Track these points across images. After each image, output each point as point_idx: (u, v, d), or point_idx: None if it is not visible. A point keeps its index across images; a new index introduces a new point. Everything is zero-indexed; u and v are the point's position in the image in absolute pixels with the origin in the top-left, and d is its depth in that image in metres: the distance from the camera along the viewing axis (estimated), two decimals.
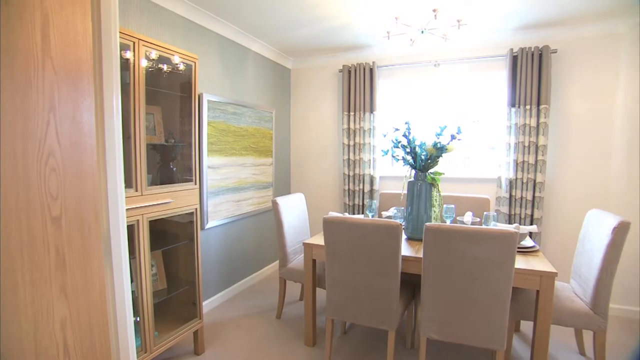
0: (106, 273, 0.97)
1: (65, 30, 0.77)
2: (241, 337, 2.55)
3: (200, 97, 2.73)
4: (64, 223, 0.80)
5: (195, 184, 2.28)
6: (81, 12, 0.78)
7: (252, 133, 3.39)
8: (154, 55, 1.96)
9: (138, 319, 1.92)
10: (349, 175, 3.79)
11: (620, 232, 1.88)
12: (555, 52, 3.05)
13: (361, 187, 3.74)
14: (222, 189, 3.02)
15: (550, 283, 1.84)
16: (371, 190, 3.72)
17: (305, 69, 4.08)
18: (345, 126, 3.75)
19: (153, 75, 2.07)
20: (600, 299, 1.97)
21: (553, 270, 1.85)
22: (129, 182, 1.85)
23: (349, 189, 3.80)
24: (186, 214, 2.24)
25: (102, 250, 0.94)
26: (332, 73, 3.94)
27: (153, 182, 2.11)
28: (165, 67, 2.13)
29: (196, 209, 2.29)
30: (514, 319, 2.17)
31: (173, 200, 2.10)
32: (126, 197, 1.78)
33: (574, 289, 2.27)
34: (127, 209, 1.77)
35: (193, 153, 2.26)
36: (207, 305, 2.93)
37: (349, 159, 3.77)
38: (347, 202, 3.81)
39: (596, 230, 2.11)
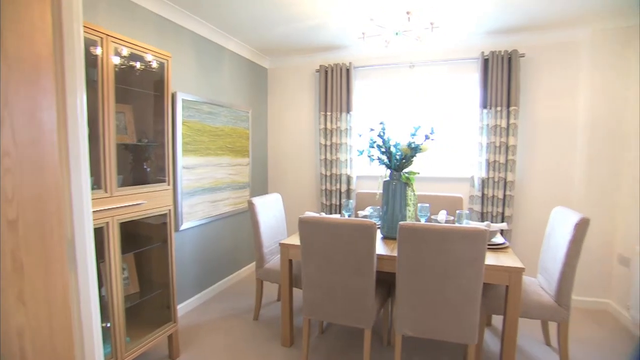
0: (70, 278, 0.93)
1: (19, 24, 0.73)
2: (217, 340, 2.51)
3: (174, 96, 2.67)
4: (21, 227, 0.76)
5: (169, 184, 2.23)
6: (39, 5, 0.74)
7: (228, 133, 3.34)
8: (125, 52, 1.90)
9: (109, 325, 1.86)
10: (326, 175, 3.80)
11: (581, 228, 1.98)
12: (523, 56, 3.17)
13: (338, 186, 3.77)
14: (197, 190, 2.97)
15: (518, 278, 1.92)
16: (348, 190, 3.74)
17: (283, 68, 4.07)
18: (322, 126, 3.76)
19: (124, 73, 2.01)
20: (563, 291, 2.06)
21: (521, 266, 1.92)
22: (97, 183, 1.79)
23: (326, 188, 3.81)
24: (159, 215, 2.19)
25: (66, 254, 0.90)
26: (309, 73, 3.94)
27: (125, 183, 2.05)
28: (138, 65, 2.06)
29: (170, 210, 2.23)
30: (485, 313, 2.23)
31: (145, 201, 2.04)
32: (95, 199, 1.72)
33: (541, 283, 2.37)
34: (96, 211, 1.71)
35: (166, 153, 2.20)
36: (183, 308, 2.87)
37: (326, 158, 3.79)
38: (325, 202, 3.82)
39: (560, 227, 2.21)
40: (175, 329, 2.28)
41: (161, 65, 2.13)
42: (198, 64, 2.98)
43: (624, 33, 2.81)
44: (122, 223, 1.89)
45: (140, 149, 2.24)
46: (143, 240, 2.23)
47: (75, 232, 0.96)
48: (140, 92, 2.17)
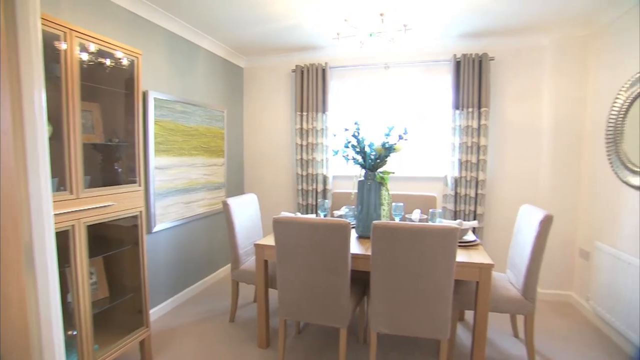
0: (28, 284, 0.89)
1: None
2: (192, 344, 2.46)
3: (145, 95, 2.59)
4: None
5: (140, 185, 2.16)
6: None
7: (202, 133, 3.28)
8: (92, 48, 1.83)
9: (75, 333, 1.79)
10: (302, 175, 3.80)
11: (545, 224, 2.07)
12: (493, 59, 3.28)
13: (314, 186, 3.77)
14: (171, 191, 2.90)
15: (488, 274, 1.98)
16: (324, 190, 3.76)
17: (259, 68, 4.03)
18: (299, 126, 3.76)
19: (91, 70, 1.93)
20: (530, 285, 2.15)
21: (490, 262, 1.98)
22: (63, 184, 1.72)
23: (302, 188, 3.81)
24: (130, 217, 2.12)
25: (23, 261, 0.86)
26: (285, 73, 3.93)
27: (93, 184, 1.97)
28: (108, 62, 1.98)
29: (141, 211, 2.17)
30: (457, 309, 2.30)
31: (115, 203, 1.97)
32: (59, 201, 1.65)
33: (509, 278, 2.46)
34: (60, 214, 1.64)
35: (137, 153, 2.14)
36: (156, 312, 2.79)
37: (302, 159, 3.79)
38: (301, 202, 3.82)
39: (527, 224, 2.30)
40: (148, 334, 2.22)
41: (131, 62, 2.07)
42: (171, 62, 2.91)
43: (582, 41, 2.97)
44: (89, 226, 1.82)
45: (109, 149, 2.17)
46: (113, 243, 2.15)
47: (34, 237, 0.92)
48: (109, 90, 2.10)
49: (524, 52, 3.27)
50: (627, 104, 2.42)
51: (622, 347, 2.40)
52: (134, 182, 2.14)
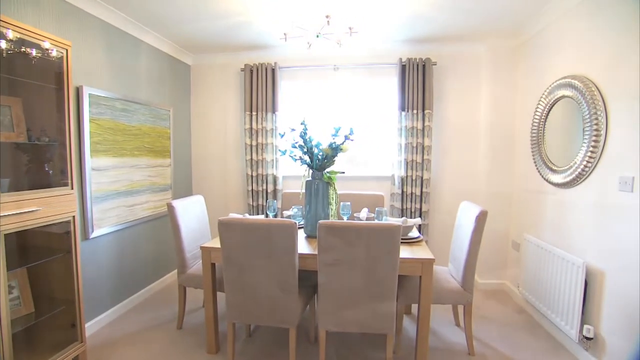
0: None
1: None
2: (137, 354, 2.33)
3: (79, 91, 2.41)
4: None
5: (72, 188, 2.01)
6: None
7: (146, 132, 3.12)
8: (9, 36, 1.66)
9: None
10: (252, 176, 3.75)
11: (481, 219, 2.23)
12: (435, 64, 3.46)
13: (265, 187, 3.74)
14: (111, 193, 2.72)
15: (429, 268, 2.08)
16: (274, 190, 3.74)
17: (207, 66, 3.92)
18: (248, 126, 3.70)
19: (10, 61, 1.76)
20: (468, 277, 2.30)
21: (431, 257, 2.09)
22: None
23: (252, 189, 3.76)
24: (61, 222, 1.96)
25: None
26: (234, 72, 3.85)
27: (14, 188, 1.80)
28: (33, 53, 1.82)
29: (74, 216, 2.02)
30: (403, 303, 2.39)
31: (41, 207, 1.82)
32: None
33: (451, 271, 2.62)
34: None
35: (68, 153, 1.99)
36: (95, 324, 2.60)
37: (252, 159, 3.73)
38: (251, 203, 3.77)
39: (465, 219, 2.46)
40: (83, 349, 2.07)
41: (60, 55, 1.91)
42: (110, 56, 2.73)
43: (512, 50, 3.25)
44: (8, 234, 1.66)
45: (36, 149, 1.99)
46: (41, 252, 1.98)
47: None
48: (34, 84, 1.93)
49: (463, 58, 3.50)
50: (547, 109, 2.68)
51: (547, 329, 2.65)
52: (65, 184, 1.98)
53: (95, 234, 2.58)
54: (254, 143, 3.72)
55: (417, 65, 3.42)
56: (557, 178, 2.53)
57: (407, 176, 3.54)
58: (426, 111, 3.44)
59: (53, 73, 1.95)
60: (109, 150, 2.69)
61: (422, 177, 3.52)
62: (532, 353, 2.39)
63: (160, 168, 3.34)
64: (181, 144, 3.78)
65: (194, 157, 4.04)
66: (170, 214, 2.57)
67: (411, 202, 3.55)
